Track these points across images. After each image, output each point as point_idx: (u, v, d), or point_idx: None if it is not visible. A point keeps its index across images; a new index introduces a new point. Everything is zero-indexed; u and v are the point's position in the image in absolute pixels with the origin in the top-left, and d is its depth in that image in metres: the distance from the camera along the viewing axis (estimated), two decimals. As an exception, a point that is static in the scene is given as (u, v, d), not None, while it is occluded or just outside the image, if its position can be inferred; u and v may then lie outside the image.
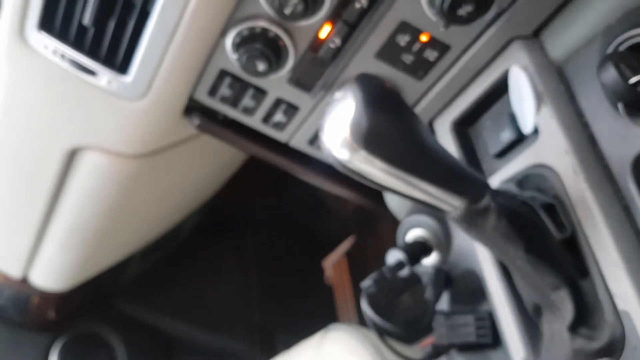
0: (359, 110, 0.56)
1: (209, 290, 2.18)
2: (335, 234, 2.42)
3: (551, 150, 0.71)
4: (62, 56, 0.87)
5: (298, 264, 2.36)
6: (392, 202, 1.05)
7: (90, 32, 0.84)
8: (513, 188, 0.72)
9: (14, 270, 1.56)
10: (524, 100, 0.75)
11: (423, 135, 0.60)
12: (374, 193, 1.13)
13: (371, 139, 0.56)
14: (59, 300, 1.75)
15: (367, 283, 0.79)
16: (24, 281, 1.61)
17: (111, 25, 0.83)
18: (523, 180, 0.73)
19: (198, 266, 2.20)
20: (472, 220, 0.61)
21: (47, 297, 1.71)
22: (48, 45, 0.87)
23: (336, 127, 0.57)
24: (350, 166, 0.58)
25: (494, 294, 0.76)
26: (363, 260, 2.28)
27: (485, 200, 0.61)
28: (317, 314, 2.17)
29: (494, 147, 0.81)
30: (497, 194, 0.63)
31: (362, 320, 0.82)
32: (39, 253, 1.45)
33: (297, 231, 2.39)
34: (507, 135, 0.79)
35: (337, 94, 0.60)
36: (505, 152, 0.80)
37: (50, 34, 0.85)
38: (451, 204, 0.61)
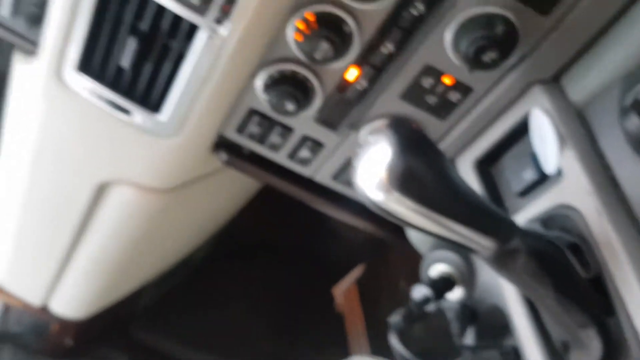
0: (394, 154, 0.59)
1: (220, 318, 2.20)
2: (346, 261, 2.44)
3: (574, 191, 0.73)
4: (99, 96, 0.91)
5: (308, 291, 2.38)
6: (414, 237, 1.07)
7: (127, 74, 0.87)
8: (538, 228, 0.75)
9: (35, 298, 1.59)
10: (546, 142, 0.78)
11: (454, 177, 0.63)
12: (393, 226, 1.15)
13: (406, 181, 0.59)
14: (77, 327, 1.77)
15: (395, 318, 0.81)
16: (44, 309, 1.63)
17: (148, 67, 0.86)
18: (548, 220, 0.76)
19: (209, 294, 2.22)
20: (502, 261, 0.64)
21: (66, 325, 1.74)
22: (85, 86, 0.90)
23: (372, 170, 0.60)
24: (384, 207, 0.61)
25: (520, 330, 0.78)
26: (374, 289, 2.29)
27: (515, 241, 0.63)
28: (327, 342, 2.19)
29: (517, 186, 0.84)
30: (525, 234, 0.65)
31: (374, 350, 0.83)
32: (60, 282, 1.47)
33: (306, 258, 2.41)
34: (529, 175, 0.82)
35: (371, 138, 0.62)
36: (527, 191, 0.83)
37: (88, 75, 0.89)
38: (481, 244, 0.63)
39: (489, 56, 0.75)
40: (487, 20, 0.74)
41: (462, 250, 0.92)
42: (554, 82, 0.82)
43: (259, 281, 2.37)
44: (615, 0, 0.74)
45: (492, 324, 0.84)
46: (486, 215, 0.64)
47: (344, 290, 2.43)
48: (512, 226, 0.65)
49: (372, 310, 2.26)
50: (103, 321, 1.80)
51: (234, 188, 1.46)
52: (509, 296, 0.80)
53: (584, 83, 0.78)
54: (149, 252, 1.44)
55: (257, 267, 2.40)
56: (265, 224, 2.34)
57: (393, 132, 0.61)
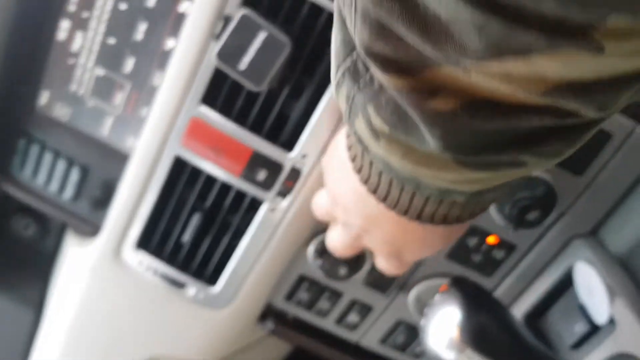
0: (465, 313, 0.62)
1: None
2: None
3: (630, 339, 0.75)
4: (154, 271, 0.94)
5: None
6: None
7: (185, 249, 0.92)
8: (602, 378, 0.76)
9: None
10: (594, 293, 0.81)
11: (520, 330, 0.66)
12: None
13: (478, 338, 0.62)
14: None
15: None
16: None
17: (206, 242, 0.91)
18: (609, 369, 0.77)
19: None
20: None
21: None
22: (141, 261, 0.94)
23: (443, 329, 0.63)
24: (456, 365, 0.63)
25: None
26: None
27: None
28: None
29: (569, 339, 0.85)
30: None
31: None
32: None
33: None
34: (580, 327, 0.84)
35: (436, 298, 0.66)
36: (580, 343, 0.84)
37: (147, 251, 0.93)
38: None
39: (532, 215, 0.81)
40: (527, 183, 0.81)
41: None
42: (593, 235, 0.87)
43: None
44: (640, 161, 0.81)
45: None
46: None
47: None
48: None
49: None
50: None
51: (264, 355, 1.45)
52: None
53: (622, 235, 0.83)
54: None
55: None
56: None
57: (458, 291, 0.65)
